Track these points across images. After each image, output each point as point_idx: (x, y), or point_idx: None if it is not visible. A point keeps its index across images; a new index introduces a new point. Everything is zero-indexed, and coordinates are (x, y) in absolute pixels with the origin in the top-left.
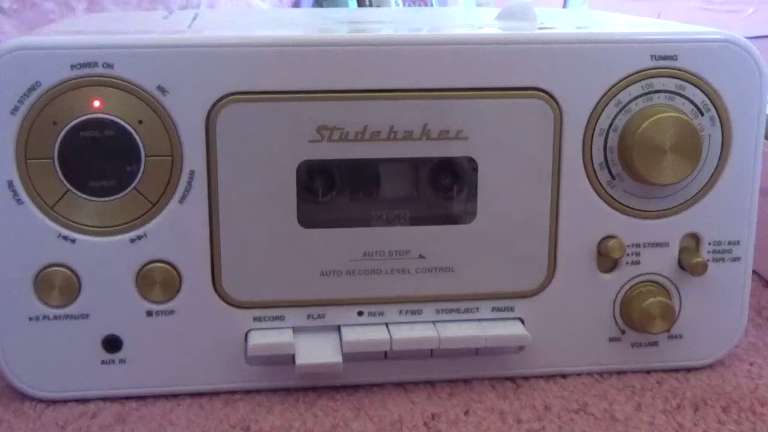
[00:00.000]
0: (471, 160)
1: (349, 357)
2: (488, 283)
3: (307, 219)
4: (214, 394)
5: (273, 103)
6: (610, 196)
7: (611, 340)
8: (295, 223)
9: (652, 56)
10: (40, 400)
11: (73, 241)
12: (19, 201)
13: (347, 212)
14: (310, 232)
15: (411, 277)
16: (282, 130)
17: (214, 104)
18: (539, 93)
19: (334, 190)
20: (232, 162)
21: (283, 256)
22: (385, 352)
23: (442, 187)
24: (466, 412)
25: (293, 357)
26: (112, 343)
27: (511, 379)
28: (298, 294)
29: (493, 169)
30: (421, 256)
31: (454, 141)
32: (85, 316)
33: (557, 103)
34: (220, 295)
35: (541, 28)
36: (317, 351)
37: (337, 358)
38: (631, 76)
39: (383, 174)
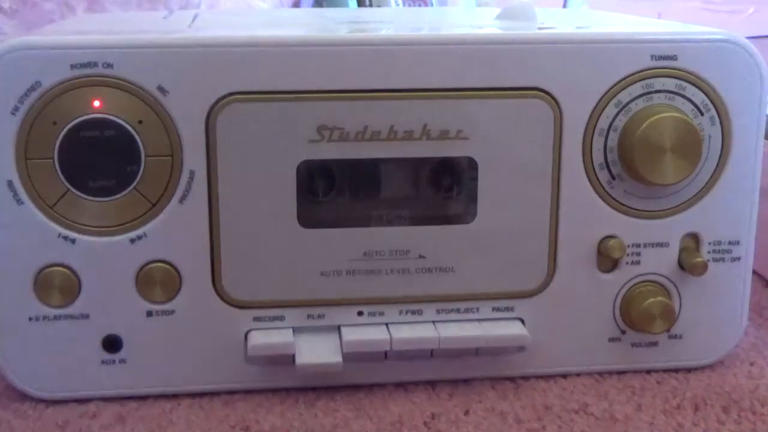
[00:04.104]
0: (471, 160)
1: (349, 357)
2: (488, 283)
3: (307, 219)
4: (214, 394)
5: (273, 103)
6: (610, 196)
7: (611, 340)
8: (295, 223)
9: (652, 56)
10: (40, 400)
11: (73, 241)
12: (19, 201)
13: (347, 212)
14: (310, 232)
15: (411, 277)
16: (282, 130)
17: (214, 104)
18: (539, 93)
19: (334, 190)
20: (232, 162)
21: (283, 256)
22: (385, 353)
23: (443, 187)
24: (466, 412)
25: (293, 357)
26: (112, 343)
27: (511, 379)
28: (298, 294)
29: (493, 169)
30: (421, 256)
31: (454, 141)
32: (85, 316)
33: (557, 103)
34: (220, 295)
35: (541, 28)
36: (317, 351)
37: (337, 358)
38: (631, 76)
39: (383, 174)
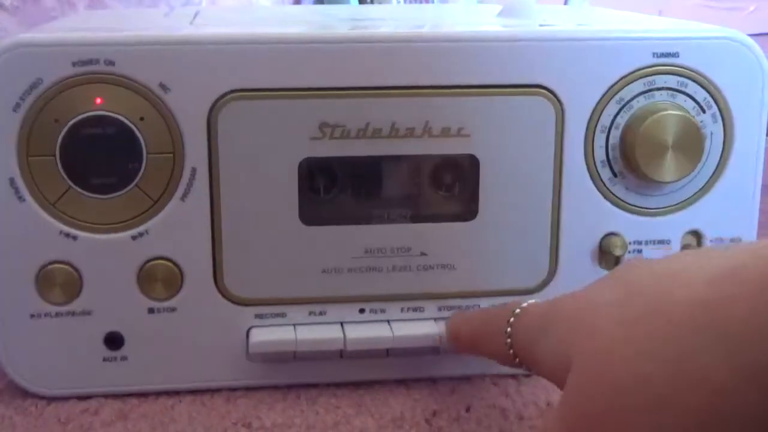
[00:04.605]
0: (472, 158)
1: (351, 354)
2: (489, 281)
3: (309, 216)
4: (215, 391)
5: (274, 101)
6: (611, 193)
7: None
8: (297, 221)
9: (653, 53)
10: (42, 397)
11: (75, 238)
12: (21, 198)
13: (349, 209)
14: (312, 229)
15: (412, 274)
16: (283, 127)
17: (216, 101)
18: (541, 90)
19: (335, 188)
20: (233, 159)
21: (285, 253)
22: (387, 350)
23: (444, 185)
24: (468, 409)
25: (294, 354)
26: (114, 341)
27: (513, 376)
28: (299, 291)
29: (494, 167)
30: (422, 254)
31: (456, 138)
32: (87, 313)
33: (559, 101)
34: (221, 293)
35: (542, 26)
36: (319, 338)
37: (339, 340)
38: (632, 73)
39: (385, 171)
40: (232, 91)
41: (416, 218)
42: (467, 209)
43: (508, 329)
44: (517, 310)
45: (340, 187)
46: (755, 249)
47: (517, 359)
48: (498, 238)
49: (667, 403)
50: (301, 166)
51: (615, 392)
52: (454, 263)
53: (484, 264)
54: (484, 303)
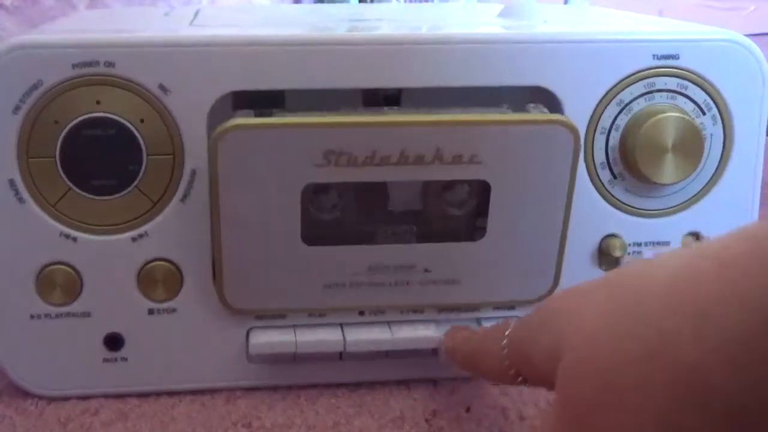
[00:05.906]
0: (483, 182)
1: (351, 356)
2: (494, 294)
3: (311, 234)
4: (215, 391)
5: (276, 129)
6: (611, 195)
7: None
8: (298, 240)
9: (653, 55)
10: (42, 397)
11: (75, 239)
12: (21, 199)
13: (352, 229)
14: (314, 248)
15: (415, 288)
16: (285, 155)
17: (216, 103)
18: (559, 119)
19: (339, 208)
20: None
21: (286, 266)
22: (387, 351)
23: (451, 205)
24: (468, 409)
25: (294, 355)
26: (114, 341)
27: None
28: (299, 303)
29: (505, 189)
30: (426, 270)
31: (467, 165)
32: (87, 314)
33: (559, 102)
34: (221, 295)
35: (542, 27)
36: (319, 339)
37: (339, 342)
38: (632, 75)
39: (390, 192)
40: (233, 93)
41: (421, 238)
42: (475, 228)
43: (504, 341)
44: (513, 322)
45: (343, 207)
46: (723, 237)
47: (513, 370)
48: (506, 255)
49: (647, 382)
50: (304, 190)
51: (601, 376)
52: (459, 279)
53: (489, 279)
54: (485, 313)
